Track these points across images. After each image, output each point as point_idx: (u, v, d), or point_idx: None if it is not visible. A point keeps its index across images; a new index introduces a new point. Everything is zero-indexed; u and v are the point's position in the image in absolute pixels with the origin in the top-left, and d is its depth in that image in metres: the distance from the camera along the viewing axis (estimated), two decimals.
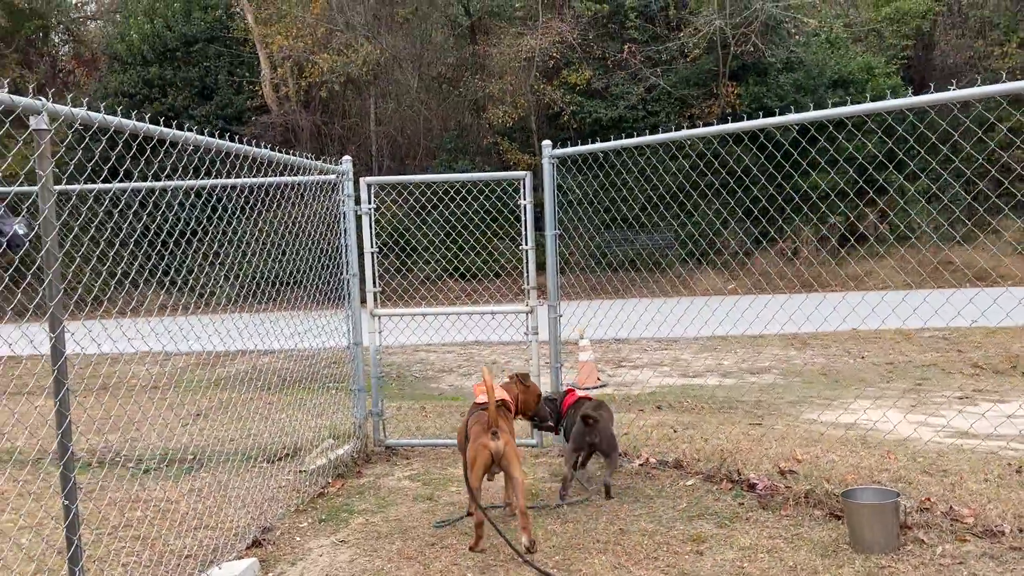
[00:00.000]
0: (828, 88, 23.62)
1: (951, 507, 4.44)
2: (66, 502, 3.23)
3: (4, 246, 4.73)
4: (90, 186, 4.32)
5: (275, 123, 25.55)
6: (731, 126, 5.42)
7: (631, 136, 6.01)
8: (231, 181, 5.38)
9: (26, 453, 6.49)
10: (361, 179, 6.56)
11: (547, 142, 6.38)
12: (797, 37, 24.36)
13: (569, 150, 6.21)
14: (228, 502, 5.49)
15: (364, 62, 23.72)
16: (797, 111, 5.26)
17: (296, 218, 6.16)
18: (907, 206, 18.17)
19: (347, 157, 6.61)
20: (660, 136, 5.70)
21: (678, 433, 6.77)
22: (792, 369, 10.67)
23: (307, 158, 5.99)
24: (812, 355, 11.81)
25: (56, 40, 31.61)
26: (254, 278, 6.08)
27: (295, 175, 6.10)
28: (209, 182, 5.13)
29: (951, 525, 4.28)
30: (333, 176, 6.47)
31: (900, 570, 3.87)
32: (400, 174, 24.29)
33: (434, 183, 6.96)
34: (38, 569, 4.38)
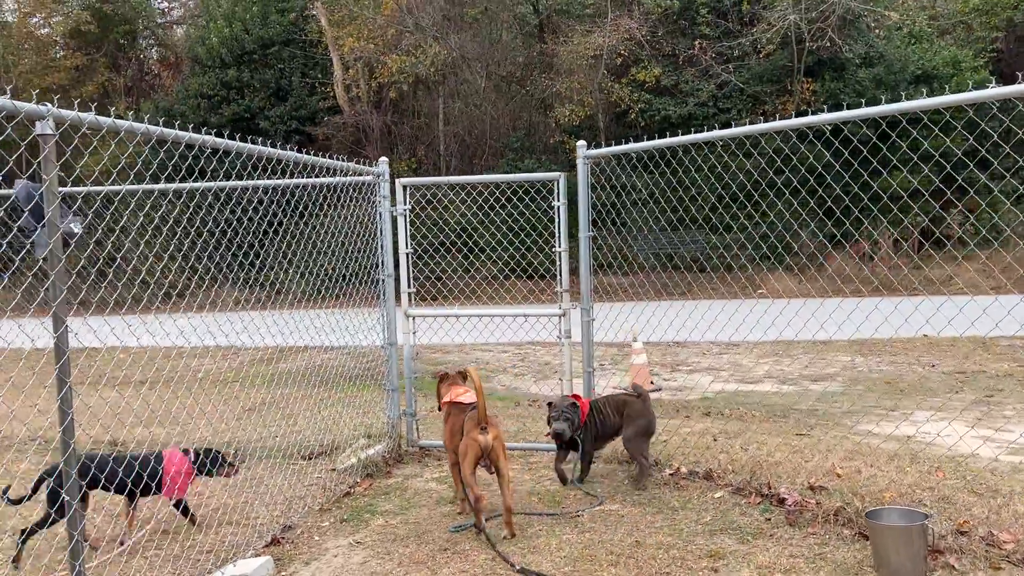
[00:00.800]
0: (910, 83, 22.64)
1: (990, 531, 4.15)
2: (66, 497, 3.31)
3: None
4: (96, 188, 4.44)
5: (347, 123, 26.00)
6: (777, 123, 5.20)
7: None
8: (265, 183, 5.45)
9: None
10: (396, 180, 6.57)
11: (581, 143, 6.26)
12: (877, 31, 23.42)
13: (603, 150, 6.08)
14: (258, 498, 5.58)
15: (432, 62, 23.91)
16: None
17: (336, 219, 6.23)
18: (992, 206, 17.28)
19: (384, 159, 6.63)
20: (694, 136, 5.52)
21: (718, 442, 6.56)
22: (856, 377, 10.25)
23: (342, 159, 6.05)
24: (879, 363, 11.32)
25: (143, 44, 32.93)
26: (293, 276, 6.19)
27: (341, 176, 6.18)
28: (240, 184, 5.21)
29: (987, 551, 4.00)
30: (370, 177, 6.50)
31: None
32: (468, 173, 24.39)
33: (468, 184, 6.93)
34: (36, 566, 4.52)
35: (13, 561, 4.47)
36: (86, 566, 3.41)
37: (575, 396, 5.84)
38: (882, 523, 3.98)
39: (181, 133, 3.83)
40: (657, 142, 5.69)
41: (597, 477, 5.83)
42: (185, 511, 5.02)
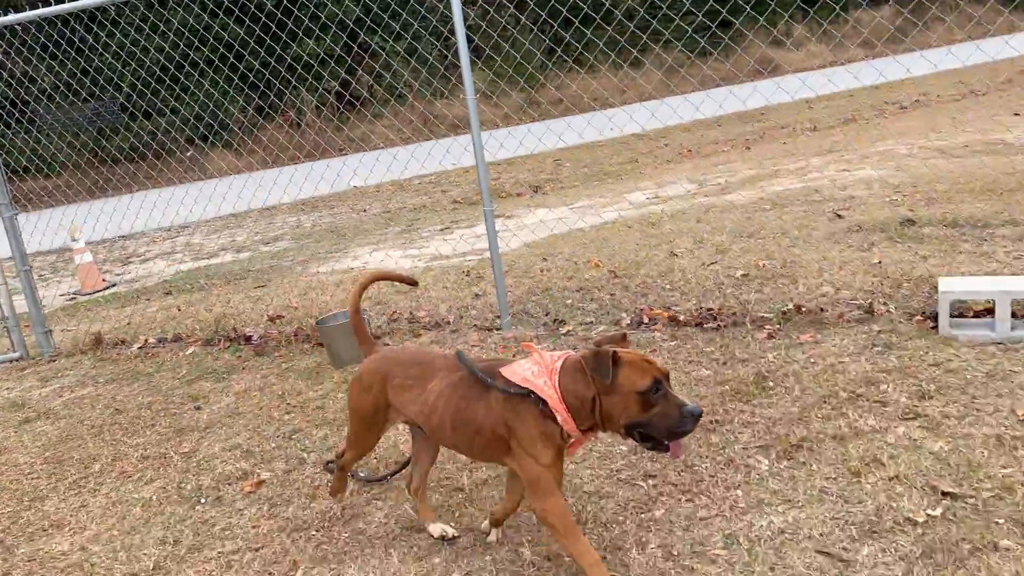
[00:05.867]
0: None
1: (412, 313, 5.22)
2: None
3: None
4: None
5: None
6: None
7: None
8: None
9: None
10: None
11: None
12: None
13: None
14: None
15: None
16: None
17: None
18: (388, 68, 19.42)
19: None
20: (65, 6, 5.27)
21: (183, 311, 6.75)
22: (303, 232, 11.13)
23: None
24: (320, 216, 12.41)
25: None
26: None
27: None
28: None
29: (411, 327, 5.07)
30: None
31: None
32: None
33: None
34: None
35: None
36: None
37: None
38: (326, 325, 4.72)
39: None
40: None
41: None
42: None
